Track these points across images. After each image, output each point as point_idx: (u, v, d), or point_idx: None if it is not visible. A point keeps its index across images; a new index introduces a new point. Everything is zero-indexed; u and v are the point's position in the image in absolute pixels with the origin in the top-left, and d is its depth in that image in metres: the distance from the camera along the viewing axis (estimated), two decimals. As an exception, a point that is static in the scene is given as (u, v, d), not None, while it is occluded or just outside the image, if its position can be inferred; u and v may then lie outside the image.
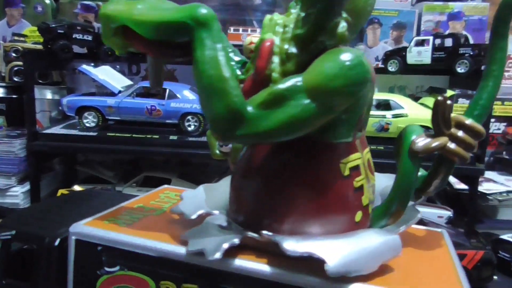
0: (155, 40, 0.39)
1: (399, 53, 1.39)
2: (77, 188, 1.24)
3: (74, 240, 0.45)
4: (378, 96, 1.39)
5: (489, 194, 1.39)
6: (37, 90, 1.37)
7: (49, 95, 1.52)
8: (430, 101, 1.37)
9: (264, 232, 0.40)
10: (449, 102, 0.40)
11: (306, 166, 0.39)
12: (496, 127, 1.66)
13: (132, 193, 1.28)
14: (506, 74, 1.67)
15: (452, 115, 0.41)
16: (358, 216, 0.41)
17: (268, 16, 0.42)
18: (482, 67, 1.35)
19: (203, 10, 0.37)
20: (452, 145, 0.40)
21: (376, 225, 0.43)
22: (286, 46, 0.39)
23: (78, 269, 0.46)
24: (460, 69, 1.30)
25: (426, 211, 1.30)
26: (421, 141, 0.41)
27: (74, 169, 1.58)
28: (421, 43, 1.36)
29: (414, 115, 1.30)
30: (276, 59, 0.39)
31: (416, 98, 1.47)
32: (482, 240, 1.15)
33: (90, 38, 1.37)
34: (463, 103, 1.62)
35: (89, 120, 1.32)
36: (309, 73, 0.36)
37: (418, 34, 1.57)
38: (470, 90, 1.55)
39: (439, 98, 0.40)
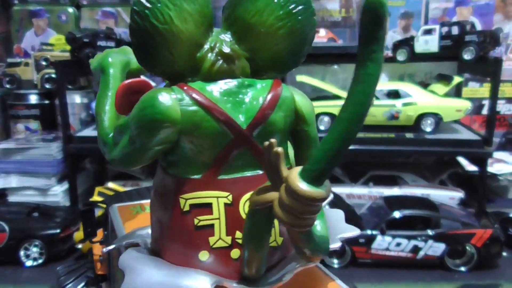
0: None
1: (407, 43, 1.44)
2: (111, 185, 1.35)
3: (110, 213, 0.65)
4: (387, 85, 1.45)
5: (499, 175, 1.44)
6: (67, 95, 1.47)
7: (78, 99, 1.63)
8: (438, 87, 1.42)
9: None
10: (278, 149, 0.31)
11: (159, 195, 0.41)
12: (507, 109, 1.69)
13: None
14: (516, 55, 1.70)
15: (295, 169, 0.31)
16: (203, 255, 0.39)
17: None
18: (490, 53, 1.40)
19: (105, 60, 0.47)
20: (276, 207, 0.32)
21: (243, 273, 0.39)
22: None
23: (112, 229, 0.63)
24: (466, 56, 1.34)
25: (438, 194, 1.36)
26: (255, 194, 0.34)
27: (105, 168, 1.70)
28: (428, 32, 1.40)
29: (423, 103, 1.36)
30: None
31: (425, 85, 1.53)
32: (491, 219, 1.22)
33: (113, 44, 1.46)
34: (473, 86, 1.67)
35: (117, 121, 1.42)
36: None
37: (426, 22, 1.61)
38: (479, 75, 1.59)
39: (265, 143, 0.31)
